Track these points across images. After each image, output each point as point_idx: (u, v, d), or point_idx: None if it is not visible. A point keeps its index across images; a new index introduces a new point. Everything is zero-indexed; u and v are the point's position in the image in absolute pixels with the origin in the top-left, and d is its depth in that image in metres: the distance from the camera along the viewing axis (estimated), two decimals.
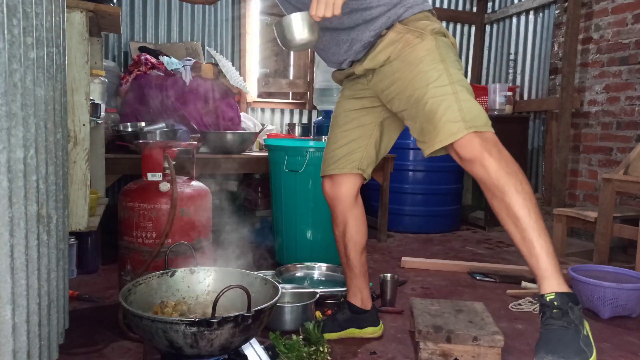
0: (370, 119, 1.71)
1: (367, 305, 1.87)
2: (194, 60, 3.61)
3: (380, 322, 1.91)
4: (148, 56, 3.56)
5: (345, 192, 1.75)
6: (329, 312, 2.06)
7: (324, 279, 2.48)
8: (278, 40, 1.46)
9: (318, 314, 2.00)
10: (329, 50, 1.67)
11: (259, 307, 1.33)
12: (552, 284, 1.34)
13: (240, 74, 3.92)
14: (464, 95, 1.44)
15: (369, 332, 1.87)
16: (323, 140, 3.29)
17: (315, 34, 1.42)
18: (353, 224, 1.78)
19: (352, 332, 1.86)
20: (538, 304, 2.25)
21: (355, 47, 1.60)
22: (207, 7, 4.08)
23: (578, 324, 1.31)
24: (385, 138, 1.75)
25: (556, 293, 1.33)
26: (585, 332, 1.32)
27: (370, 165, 1.74)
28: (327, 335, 1.80)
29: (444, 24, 4.89)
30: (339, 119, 1.76)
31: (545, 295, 1.34)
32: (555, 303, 1.32)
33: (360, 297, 1.86)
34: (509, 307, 2.26)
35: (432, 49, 1.50)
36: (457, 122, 1.39)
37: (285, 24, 1.40)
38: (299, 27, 1.40)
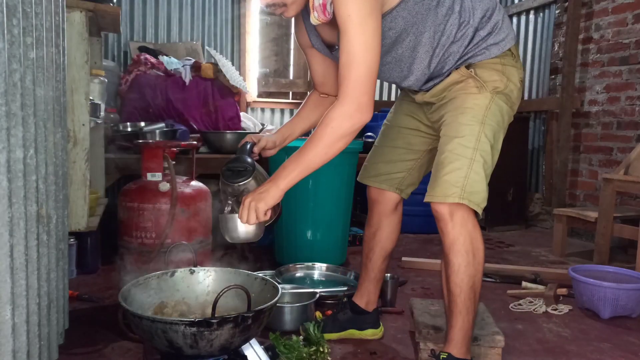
0: (421, 143, 1.69)
1: (370, 308, 1.87)
2: (193, 60, 3.61)
3: (381, 324, 1.90)
4: (148, 56, 3.56)
5: (387, 199, 1.75)
6: (329, 312, 2.06)
7: (324, 279, 2.48)
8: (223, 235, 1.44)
9: (318, 314, 1.99)
10: (389, 76, 1.59)
11: (259, 307, 1.33)
12: (452, 349, 1.45)
13: (240, 74, 3.92)
14: (478, 167, 1.42)
15: (369, 333, 1.86)
16: None
17: (252, 234, 1.41)
18: (387, 230, 1.77)
19: (352, 333, 1.85)
20: (539, 304, 2.25)
21: (416, 80, 1.55)
22: (207, 7, 4.08)
23: None
24: (432, 165, 1.69)
25: (450, 355, 1.45)
26: None
27: (410, 187, 1.74)
28: (327, 335, 1.79)
29: None
30: (390, 132, 1.73)
31: (441, 353, 1.47)
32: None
33: (367, 300, 1.85)
34: (509, 307, 2.26)
35: (481, 105, 1.45)
36: (456, 187, 1.40)
37: (223, 221, 1.42)
38: (234, 226, 1.40)
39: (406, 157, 1.70)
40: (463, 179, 1.40)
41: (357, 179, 1.80)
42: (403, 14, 1.41)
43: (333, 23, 1.37)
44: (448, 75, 1.50)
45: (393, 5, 1.39)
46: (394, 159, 1.72)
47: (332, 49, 1.55)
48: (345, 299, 1.92)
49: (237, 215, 1.38)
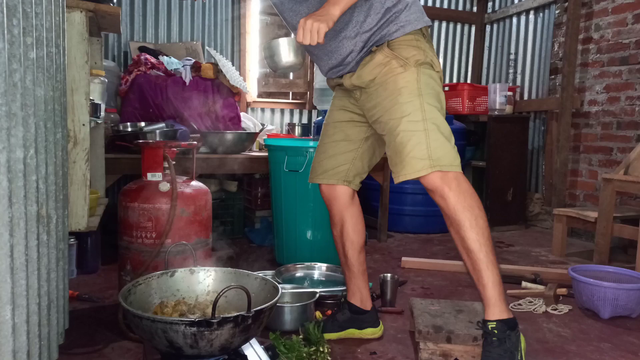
0: (357, 133, 1.76)
1: (367, 305, 1.87)
2: (194, 60, 3.61)
3: (380, 323, 1.91)
4: (148, 56, 3.56)
5: (340, 193, 1.79)
6: (329, 312, 2.06)
7: (324, 279, 2.48)
8: (266, 62, 1.59)
9: (318, 314, 2.00)
10: (320, 59, 1.69)
11: (259, 307, 1.33)
12: (494, 312, 1.51)
13: (240, 74, 3.92)
14: (434, 134, 1.49)
15: (369, 333, 1.87)
16: None
17: (300, 57, 1.57)
18: (350, 222, 1.81)
19: (352, 332, 1.86)
20: (539, 304, 2.25)
21: (342, 58, 1.63)
22: (207, 7, 4.08)
23: (513, 351, 1.49)
24: (374, 151, 1.79)
25: (497, 321, 1.50)
26: (519, 357, 1.50)
27: (357, 177, 1.79)
28: (327, 335, 1.80)
29: (443, 24, 4.89)
30: (328, 129, 1.80)
31: (488, 323, 1.51)
32: (495, 332, 1.49)
33: (360, 296, 1.86)
34: (509, 307, 2.26)
35: (412, 81, 1.53)
36: (423, 159, 1.48)
37: (273, 47, 1.55)
38: (285, 51, 1.55)
39: (346, 148, 1.75)
40: (425, 150, 1.48)
41: (308, 181, 1.85)
42: None
43: None
44: (369, 53, 1.58)
45: None
46: (335, 152, 1.77)
47: None
48: (343, 300, 1.92)
49: (287, 40, 1.53)
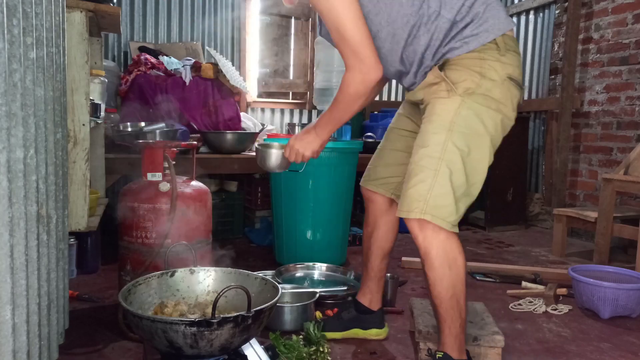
0: None
1: (375, 307, 1.87)
2: (194, 60, 3.61)
3: (386, 324, 1.90)
4: (148, 56, 3.56)
5: (379, 199, 1.75)
6: (329, 311, 2.06)
7: (324, 279, 2.48)
8: (256, 159, 1.78)
9: (318, 314, 2.00)
10: (388, 67, 1.52)
11: (259, 307, 1.33)
12: (447, 349, 1.44)
13: (240, 74, 3.91)
14: (443, 179, 1.35)
15: (373, 333, 1.86)
16: None
17: (285, 166, 1.74)
18: (383, 229, 1.77)
19: (356, 332, 1.85)
20: (539, 304, 2.25)
21: (408, 78, 1.52)
22: (207, 7, 4.08)
23: None
24: None
25: (445, 353, 1.44)
26: None
27: None
28: (331, 335, 1.80)
29: None
30: (391, 135, 1.72)
31: (436, 353, 1.46)
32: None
33: (370, 298, 1.85)
34: (509, 307, 2.26)
35: (449, 110, 1.37)
36: (418, 200, 1.36)
37: (264, 155, 1.73)
38: (274, 160, 1.73)
39: (403, 160, 1.64)
40: (426, 192, 1.36)
41: (360, 183, 1.81)
42: (365, 2, 1.39)
43: None
44: (425, 74, 1.45)
45: None
46: (391, 162, 1.70)
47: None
48: (350, 298, 1.91)
49: (279, 152, 1.71)
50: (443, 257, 1.38)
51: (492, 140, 1.41)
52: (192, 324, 1.24)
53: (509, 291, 2.45)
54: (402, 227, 1.75)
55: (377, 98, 4.56)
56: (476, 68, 1.36)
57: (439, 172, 1.35)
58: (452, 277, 1.40)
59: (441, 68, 1.40)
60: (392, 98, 4.82)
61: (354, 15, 1.34)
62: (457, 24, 1.37)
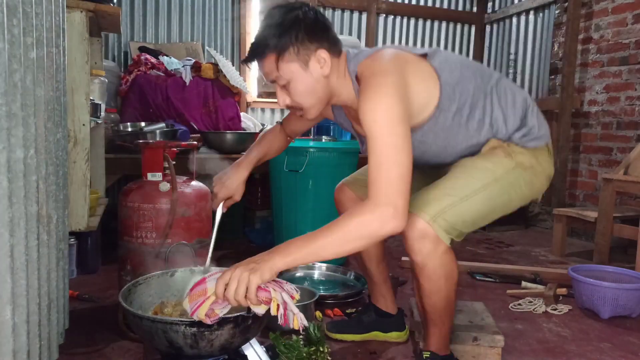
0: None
1: (392, 309, 1.86)
2: (194, 60, 3.61)
3: (407, 327, 1.88)
4: (148, 56, 3.56)
5: (356, 197, 1.74)
6: (329, 311, 2.06)
7: (324, 279, 2.48)
8: None
9: (318, 314, 2.00)
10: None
11: None
12: (433, 347, 1.48)
13: (240, 74, 3.91)
14: (467, 206, 1.36)
15: (394, 336, 1.85)
16: (323, 140, 3.29)
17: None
18: None
19: (377, 335, 1.85)
20: (539, 304, 2.25)
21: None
22: (207, 7, 4.08)
23: None
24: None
25: (431, 352, 1.47)
26: None
27: None
28: (352, 337, 1.82)
29: (443, 24, 4.89)
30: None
31: (423, 353, 1.49)
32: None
33: (384, 301, 1.85)
34: (509, 307, 2.26)
35: (503, 164, 1.42)
36: (435, 207, 1.33)
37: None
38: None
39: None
40: (448, 206, 1.34)
41: (342, 182, 1.80)
42: (435, 129, 1.40)
43: None
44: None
45: (423, 120, 1.38)
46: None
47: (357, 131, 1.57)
48: (368, 300, 1.91)
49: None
50: (441, 269, 1.36)
51: (513, 206, 1.49)
52: (192, 324, 1.24)
53: (508, 291, 2.46)
54: None
55: None
56: (534, 156, 1.47)
57: (469, 197, 1.37)
58: (447, 287, 1.39)
59: None
60: None
61: (408, 159, 1.21)
62: (513, 136, 1.45)
